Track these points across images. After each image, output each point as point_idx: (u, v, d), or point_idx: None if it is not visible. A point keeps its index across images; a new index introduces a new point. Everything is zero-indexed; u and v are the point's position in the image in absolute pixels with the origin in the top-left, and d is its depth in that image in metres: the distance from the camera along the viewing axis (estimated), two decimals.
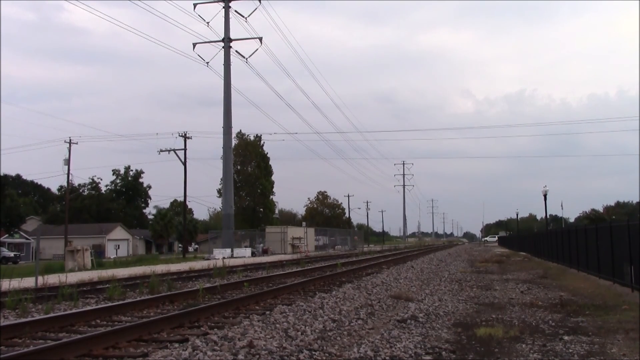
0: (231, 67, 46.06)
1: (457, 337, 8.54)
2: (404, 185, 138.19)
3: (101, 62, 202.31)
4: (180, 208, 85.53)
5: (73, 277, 19.73)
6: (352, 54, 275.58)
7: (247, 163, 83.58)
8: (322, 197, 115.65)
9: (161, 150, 56.34)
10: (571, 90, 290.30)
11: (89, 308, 10.90)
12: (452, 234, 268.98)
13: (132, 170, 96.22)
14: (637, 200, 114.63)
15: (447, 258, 35.78)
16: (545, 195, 46.82)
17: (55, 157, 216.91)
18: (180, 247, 79.28)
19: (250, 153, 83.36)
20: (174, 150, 56.14)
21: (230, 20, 46.18)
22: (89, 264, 31.17)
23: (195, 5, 45.79)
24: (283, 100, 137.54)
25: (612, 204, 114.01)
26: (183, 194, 59.05)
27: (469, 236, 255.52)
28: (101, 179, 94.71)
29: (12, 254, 56.96)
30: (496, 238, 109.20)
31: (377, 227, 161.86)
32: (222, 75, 46.13)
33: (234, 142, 62.60)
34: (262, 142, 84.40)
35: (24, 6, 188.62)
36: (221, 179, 58.32)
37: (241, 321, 8.95)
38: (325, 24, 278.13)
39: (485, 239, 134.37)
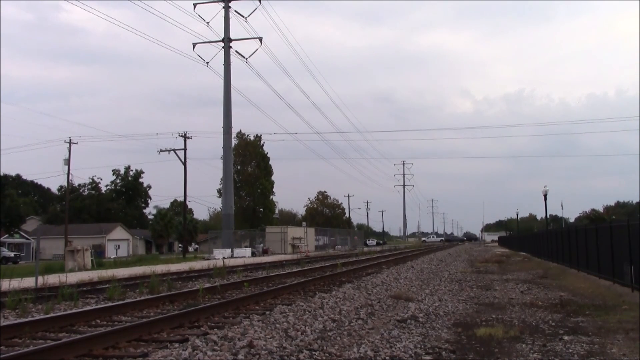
0: (231, 67, 46.18)
1: (457, 337, 8.54)
2: (404, 185, 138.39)
3: (100, 62, 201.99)
4: (180, 208, 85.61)
5: (73, 277, 19.73)
6: (350, 53, 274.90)
7: (247, 163, 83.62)
8: (322, 197, 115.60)
9: (161, 150, 56.51)
10: (570, 90, 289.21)
11: (89, 308, 10.90)
12: (452, 233, 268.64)
13: (132, 170, 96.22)
14: (637, 200, 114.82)
15: (447, 258, 35.78)
16: (545, 195, 46.81)
17: (55, 157, 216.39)
18: (180, 247, 79.27)
19: (250, 153, 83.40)
20: (174, 150, 56.23)
21: (230, 20, 46.33)
22: (89, 264, 31.16)
23: (195, 5, 45.88)
24: (283, 100, 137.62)
25: (612, 204, 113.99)
26: (183, 194, 59.17)
27: (469, 236, 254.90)
28: (101, 179, 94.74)
29: (12, 254, 56.87)
30: (497, 237, 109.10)
31: (377, 227, 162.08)
32: (222, 75, 46.20)
33: (234, 142, 62.70)
34: (262, 142, 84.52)
35: (22, 6, 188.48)
36: (221, 179, 58.37)
37: (241, 321, 8.95)
38: (324, 24, 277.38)
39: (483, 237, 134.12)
